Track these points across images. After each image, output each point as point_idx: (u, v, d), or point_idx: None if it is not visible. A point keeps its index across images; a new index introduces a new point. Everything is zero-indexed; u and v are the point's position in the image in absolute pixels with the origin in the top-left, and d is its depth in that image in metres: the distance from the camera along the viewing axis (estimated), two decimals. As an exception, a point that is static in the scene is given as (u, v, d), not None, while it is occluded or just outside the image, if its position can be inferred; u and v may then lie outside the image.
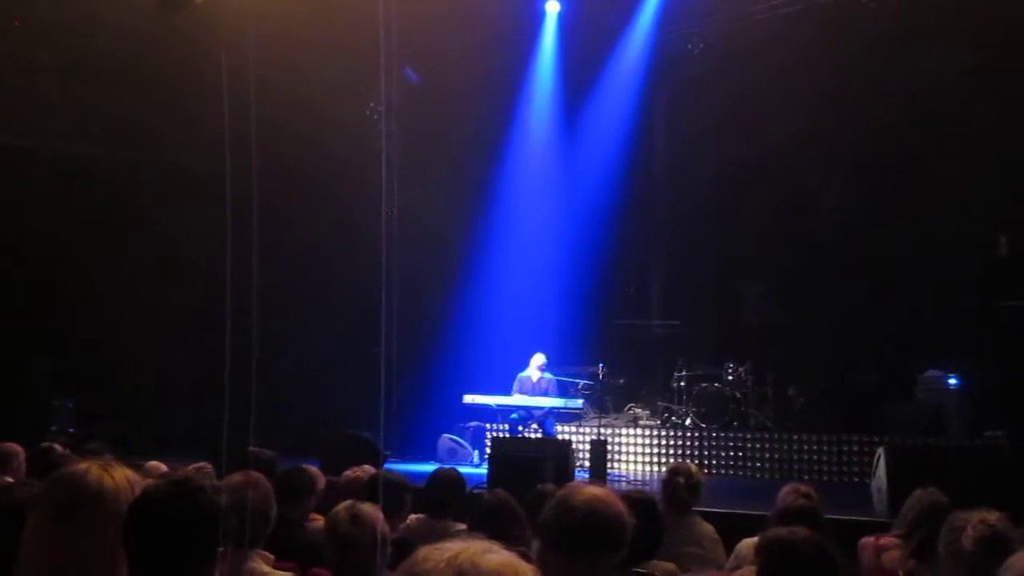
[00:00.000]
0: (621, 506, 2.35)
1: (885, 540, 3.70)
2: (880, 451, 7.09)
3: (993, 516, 3.16)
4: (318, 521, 4.62)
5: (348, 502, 3.14)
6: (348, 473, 4.85)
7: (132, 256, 11.98)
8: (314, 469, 4.61)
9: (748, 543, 3.78)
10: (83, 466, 2.11)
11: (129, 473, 2.14)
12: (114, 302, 11.63)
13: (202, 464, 4.57)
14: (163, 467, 5.08)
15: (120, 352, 11.69)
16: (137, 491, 2.05)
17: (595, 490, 2.40)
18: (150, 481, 2.12)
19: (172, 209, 11.54)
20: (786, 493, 4.18)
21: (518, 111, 12.66)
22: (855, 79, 10.58)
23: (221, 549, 1.97)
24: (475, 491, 4.78)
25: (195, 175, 10.72)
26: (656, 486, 5.47)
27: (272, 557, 3.16)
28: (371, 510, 3.03)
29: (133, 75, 10.95)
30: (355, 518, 2.95)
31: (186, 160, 11.48)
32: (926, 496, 3.90)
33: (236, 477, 3.16)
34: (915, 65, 10.23)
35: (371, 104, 11.93)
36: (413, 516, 4.51)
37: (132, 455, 5.72)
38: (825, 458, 9.81)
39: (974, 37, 9.98)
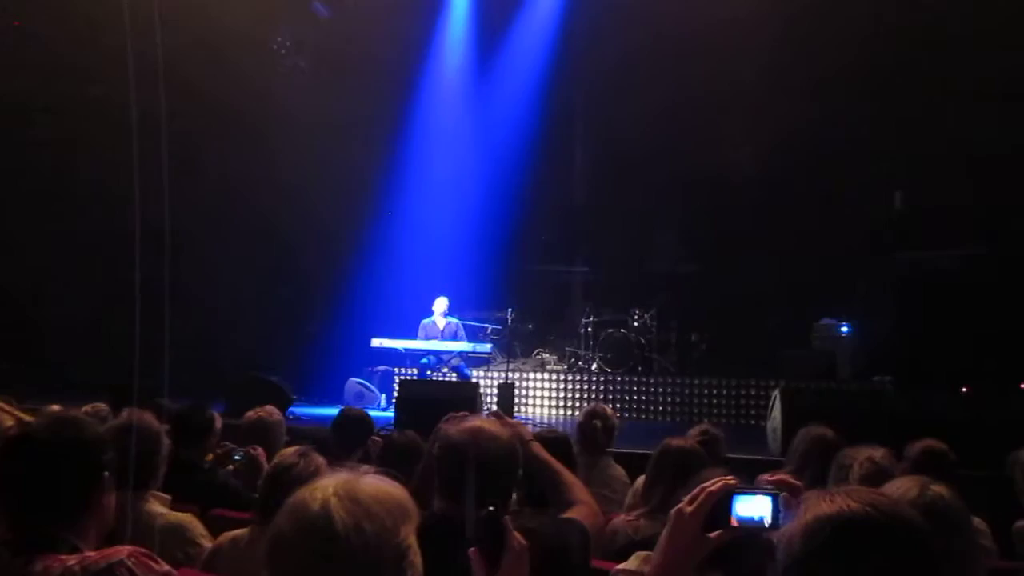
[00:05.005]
0: (501, 433, 2.27)
1: (779, 476, 3.84)
2: (775, 394, 7.38)
3: (878, 453, 3.33)
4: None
5: (301, 446, 3.05)
6: (250, 414, 4.75)
7: (30, 187, 11.30)
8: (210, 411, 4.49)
9: (642, 480, 3.94)
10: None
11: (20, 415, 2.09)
12: (15, 238, 11.00)
13: (96, 405, 4.41)
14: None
15: (17, 289, 11.10)
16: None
17: (473, 421, 2.31)
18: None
19: (75, 140, 10.92)
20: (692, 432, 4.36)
21: (432, 50, 12.39)
22: (773, 30, 10.63)
23: (106, 475, 1.94)
24: (382, 432, 4.74)
25: (102, 104, 10.11)
26: (565, 429, 5.57)
27: (168, 498, 3.09)
28: (319, 457, 2.95)
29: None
30: (304, 456, 2.87)
31: (94, 89, 10.80)
32: (813, 432, 4.06)
33: (121, 416, 3.05)
34: (828, 23, 10.41)
35: (278, 39, 11.50)
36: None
37: (29, 398, 5.47)
38: (724, 401, 10.18)
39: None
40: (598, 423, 4.73)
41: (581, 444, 4.61)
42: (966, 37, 9.79)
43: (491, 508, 1.59)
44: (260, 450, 4.40)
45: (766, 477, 4.06)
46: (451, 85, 12.44)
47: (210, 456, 4.28)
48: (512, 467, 2.24)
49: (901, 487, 2.00)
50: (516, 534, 1.59)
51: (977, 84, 9.85)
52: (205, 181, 10.95)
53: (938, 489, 1.99)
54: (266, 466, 4.28)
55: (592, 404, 5.25)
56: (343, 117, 11.08)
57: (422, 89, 12.30)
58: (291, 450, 2.99)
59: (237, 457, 4.40)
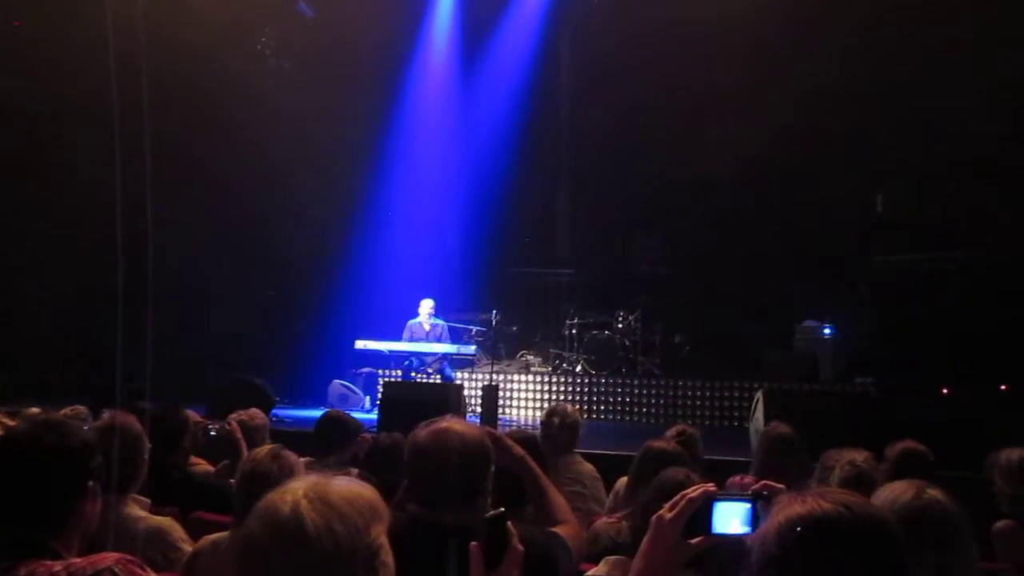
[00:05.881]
0: (467, 436, 2.22)
1: (748, 479, 3.86)
2: (758, 395, 7.40)
3: (860, 456, 3.37)
4: (201, 466, 4.51)
5: (273, 445, 3.04)
6: (233, 417, 4.73)
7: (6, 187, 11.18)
8: (190, 412, 4.47)
9: (624, 480, 3.98)
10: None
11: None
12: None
13: (76, 407, 4.38)
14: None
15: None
16: None
17: (441, 424, 2.25)
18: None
19: (52, 139, 10.81)
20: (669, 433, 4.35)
21: (416, 52, 12.38)
22: (756, 33, 10.67)
23: (91, 484, 1.91)
24: (365, 435, 4.73)
25: (81, 102, 10.02)
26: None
27: (148, 501, 3.06)
28: (293, 455, 2.93)
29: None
30: (277, 458, 2.85)
31: (79, 85, 10.69)
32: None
33: (104, 418, 3.02)
34: (811, 27, 10.48)
35: (263, 39, 11.46)
36: (302, 459, 4.44)
37: (5, 402, 5.42)
38: (708, 403, 10.21)
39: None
40: (556, 420, 4.72)
41: (544, 443, 4.60)
42: (945, 42, 9.87)
43: (502, 509, 1.61)
44: (235, 424, 4.39)
45: (737, 480, 4.10)
46: (435, 87, 12.43)
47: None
48: (483, 467, 2.22)
49: (898, 489, 2.01)
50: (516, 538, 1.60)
51: (958, 89, 9.93)
52: (188, 182, 10.87)
53: (934, 493, 1.98)
54: (243, 443, 4.29)
55: (553, 404, 5.25)
56: (328, 118, 11.04)
57: (406, 90, 12.28)
58: (264, 450, 2.97)
59: (212, 432, 4.39)
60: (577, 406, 9.99)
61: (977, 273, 9.78)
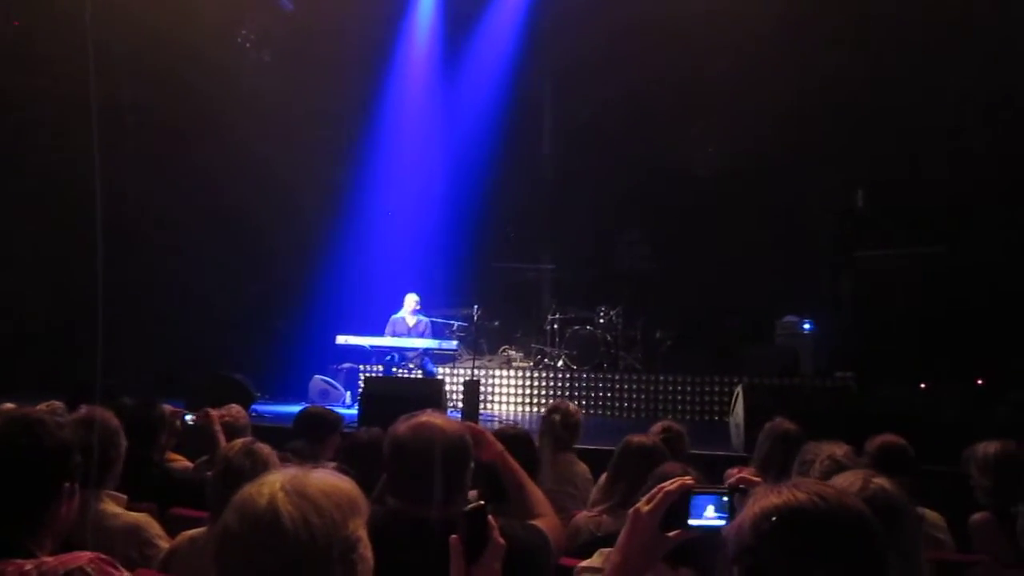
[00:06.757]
0: (446, 429, 2.23)
1: (747, 471, 3.88)
2: (738, 390, 7.44)
3: (840, 451, 3.38)
4: (180, 462, 4.47)
5: (247, 439, 3.02)
6: (215, 413, 4.69)
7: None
8: (167, 407, 4.43)
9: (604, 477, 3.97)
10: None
11: None
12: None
13: (52, 403, 4.32)
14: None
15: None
16: None
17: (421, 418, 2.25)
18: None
19: (31, 133, 10.69)
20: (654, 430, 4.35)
21: (397, 44, 12.33)
22: (741, 28, 10.63)
23: (67, 485, 1.88)
24: (346, 431, 4.71)
25: (55, 97, 9.91)
26: (531, 426, 5.56)
27: (124, 498, 3.03)
28: (267, 448, 2.92)
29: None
30: (250, 453, 2.84)
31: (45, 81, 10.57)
32: (777, 427, 4.10)
33: (80, 413, 2.98)
34: (796, 22, 10.51)
35: (243, 32, 11.38)
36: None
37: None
38: (689, 398, 10.24)
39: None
40: (557, 417, 4.70)
41: (543, 440, 4.59)
42: (927, 37, 9.93)
43: (481, 502, 1.60)
44: (213, 413, 4.36)
45: (734, 472, 4.12)
46: (417, 80, 12.40)
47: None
48: (461, 461, 2.22)
49: (846, 480, 2.04)
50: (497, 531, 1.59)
51: (940, 86, 10.01)
52: (168, 178, 10.80)
53: (879, 482, 2.02)
54: (220, 430, 4.27)
55: (556, 400, 5.23)
56: (310, 112, 10.98)
57: (388, 83, 12.23)
58: (237, 443, 2.95)
59: (190, 420, 4.36)
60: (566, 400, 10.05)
61: (956, 269, 9.86)
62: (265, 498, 1.28)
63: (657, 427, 4.41)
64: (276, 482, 1.31)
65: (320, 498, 1.30)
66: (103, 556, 1.81)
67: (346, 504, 1.32)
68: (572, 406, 4.96)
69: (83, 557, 1.78)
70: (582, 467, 4.68)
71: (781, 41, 10.45)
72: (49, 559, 1.77)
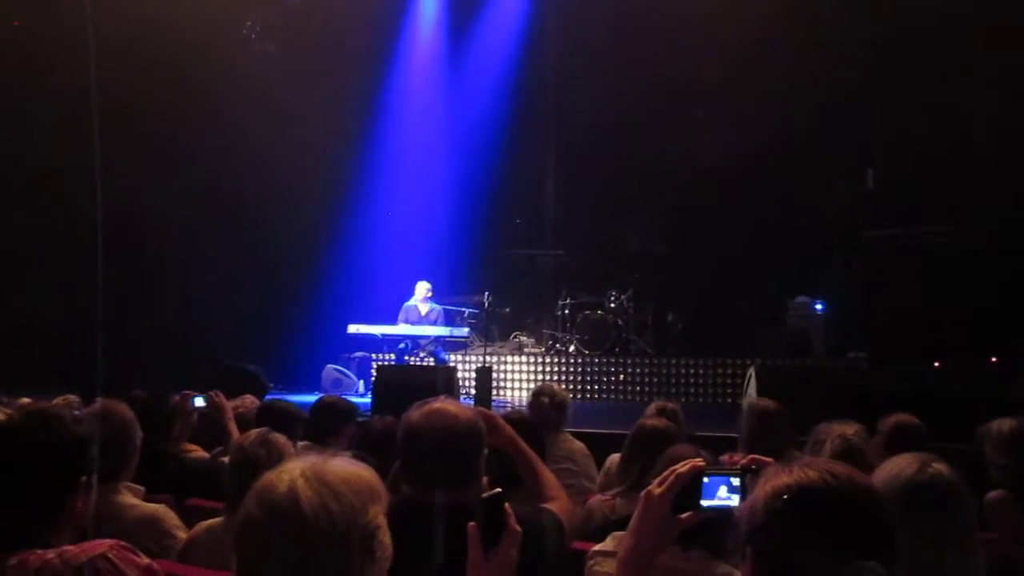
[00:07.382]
0: (461, 416, 2.23)
1: (736, 456, 3.88)
2: (751, 371, 7.43)
3: (851, 430, 3.39)
4: (196, 452, 4.50)
5: (261, 429, 3.04)
6: (230, 404, 4.71)
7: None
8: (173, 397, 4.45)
9: (614, 458, 4.04)
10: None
11: None
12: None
13: (68, 397, 4.35)
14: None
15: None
16: None
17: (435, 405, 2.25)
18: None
19: (37, 129, 10.71)
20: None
21: (403, 34, 12.30)
22: (747, 12, 10.56)
23: (84, 479, 1.90)
24: (361, 420, 4.73)
25: (63, 92, 9.93)
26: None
27: (142, 489, 3.05)
28: (282, 438, 2.93)
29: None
30: (265, 442, 2.85)
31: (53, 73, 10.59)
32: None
33: (94, 406, 3.00)
34: (803, 7, 10.44)
35: (248, 23, 11.37)
36: (300, 443, 4.44)
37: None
38: (701, 380, 10.25)
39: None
40: (545, 399, 4.72)
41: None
42: (940, 19, 9.85)
43: (498, 490, 1.61)
44: (221, 396, 4.38)
45: (726, 459, 4.11)
46: (423, 70, 12.37)
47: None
48: (475, 447, 2.22)
49: (900, 464, 2.00)
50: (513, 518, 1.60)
51: (950, 63, 9.92)
52: (177, 168, 10.81)
53: (939, 467, 1.98)
54: (230, 412, 4.30)
55: (539, 384, 5.25)
56: (316, 102, 10.96)
57: (394, 74, 12.21)
58: (253, 433, 2.97)
59: (199, 403, 4.38)
60: (570, 386, 10.08)
61: (968, 247, 9.81)
62: (285, 485, 1.29)
63: (652, 407, 4.44)
64: (296, 469, 1.32)
65: (339, 485, 1.31)
66: (123, 543, 1.83)
67: (365, 491, 1.34)
68: (557, 386, 5.01)
69: (104, 544, 1.80)
70: (578, 444, 4.70)
71: (792, 22, 10.38)
72: (70, 547, 1.80)
